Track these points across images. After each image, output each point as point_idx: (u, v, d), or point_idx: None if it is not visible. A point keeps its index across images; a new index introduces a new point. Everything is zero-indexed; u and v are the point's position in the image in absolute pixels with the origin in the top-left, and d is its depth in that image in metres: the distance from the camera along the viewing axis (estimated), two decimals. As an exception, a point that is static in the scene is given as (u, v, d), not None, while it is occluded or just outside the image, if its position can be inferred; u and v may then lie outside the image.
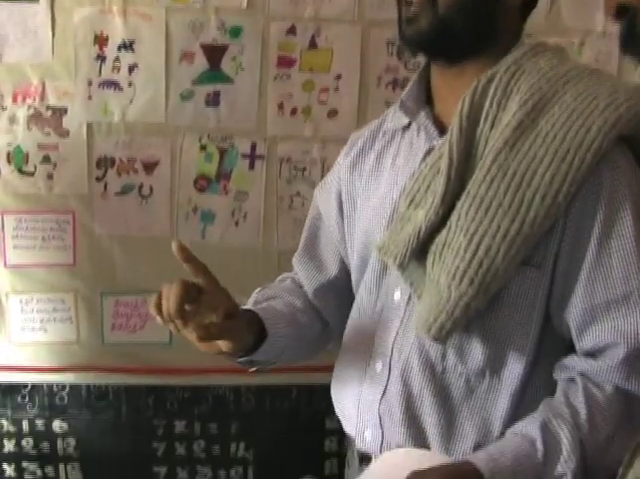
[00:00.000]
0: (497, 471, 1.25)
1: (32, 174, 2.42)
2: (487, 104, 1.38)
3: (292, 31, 2.40)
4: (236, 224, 2.45)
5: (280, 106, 2.43)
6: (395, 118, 1.58)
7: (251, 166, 2.44)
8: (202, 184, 2.45)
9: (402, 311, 1.47)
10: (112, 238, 2.45)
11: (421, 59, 2.51)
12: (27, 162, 2.41)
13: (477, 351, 1.40)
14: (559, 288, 1.37)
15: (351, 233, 1.63)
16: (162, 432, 2.60)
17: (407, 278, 1.43)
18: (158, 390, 2.56)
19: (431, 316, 1.34)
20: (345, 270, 1.69)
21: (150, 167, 2.43)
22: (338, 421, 2.59)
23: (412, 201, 1.42)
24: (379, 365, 1.50)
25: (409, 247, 1.38)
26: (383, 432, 1.50)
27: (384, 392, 1.49)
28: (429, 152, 1.46)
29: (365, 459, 1.59)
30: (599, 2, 2.35)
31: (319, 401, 2.61)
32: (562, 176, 1.29)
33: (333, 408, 2.58)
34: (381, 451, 1.51)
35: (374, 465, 1.47)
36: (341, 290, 1.70)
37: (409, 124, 1.54)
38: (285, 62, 2.41)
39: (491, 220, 1.31)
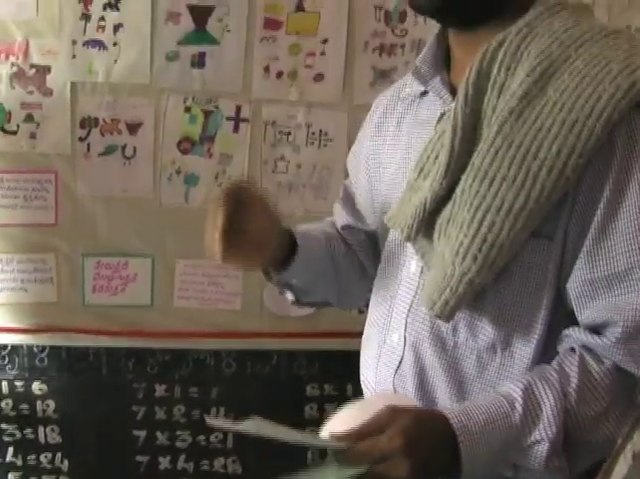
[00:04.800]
0: (467, 425, 1.23)
1: (15, 132, 2.40)
2: (495, 70, 1.30)
3: (280, -3, 2.39)
4: (220, 186, 2.43)
5: (266, 69, 2.41)
6: (413, 84, 1.51)
7: (236, 129, 2.43)
8: (186, 146, 2.43)
9: (415, 283, 1.43)
10: (94, 198, 2.43)
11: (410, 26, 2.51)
12: (10, 120, 2.39)
13: (487, 326, 1.35)
14: (569, 261, 1.30)
15: (374, 199, 1.61)
16: (142, 396, 2.58)
17: (418, 250, 1.39)
18: (138, 353, 2.55)
19: (435, 293, 1.30)
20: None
21: (133, 127, 2.42)
22: (318, 388, 2.64)
23: (421, 170, 1.36)
24: (395, 337, 1.45)
25: (415, 219, 1.34)
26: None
27: (399, 365, 1.44)
28: (441, 118, 1.40)
29: None
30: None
31: (300, 368, 2.61)
32: (570, 148, 1.22)
33: (314, 375, 2.61)
34: None
35: (358, 402, 1.46)
36: (372, 239, 1.68)
37: (425, 90, 1.48)
38: (272, 24, 2.40)
39: (495, 194, 1.25)
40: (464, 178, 1.29)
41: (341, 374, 2.53)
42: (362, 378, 1.59)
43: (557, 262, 1.31)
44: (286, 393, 2.62)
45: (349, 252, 1.68)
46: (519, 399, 1.26)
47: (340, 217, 1.73)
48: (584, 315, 1.32)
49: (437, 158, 1.34)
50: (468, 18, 1.36)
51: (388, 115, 1.57)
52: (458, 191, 1.29)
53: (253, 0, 2.37)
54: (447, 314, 1.31)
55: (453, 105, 1.36)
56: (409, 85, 1.54)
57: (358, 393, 1.57)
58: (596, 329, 1.31)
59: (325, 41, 2.41)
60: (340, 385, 2.61)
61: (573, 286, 1.31)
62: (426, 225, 1.34)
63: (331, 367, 2.58)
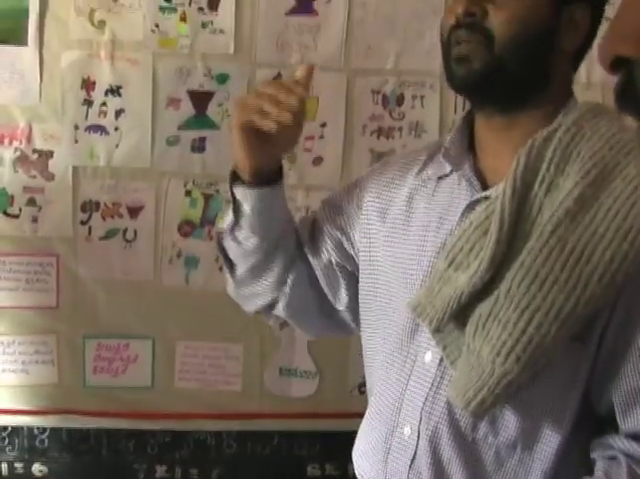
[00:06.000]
0: None
1: (17, 216, 2.42)
2: (545, 166, 1.28)
3: (279, 78, 2.40)
4: (220, 269, 2.40)
5: (266, 153, 2.43)
6: (435, 165, 1.48)
7: (236, 212, 2.45)
8: (187, 229, 2.45)
9: (432, 375, 1.39)
10: (95, 281, 2.45)
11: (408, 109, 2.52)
12: (12, 204, 2.42)
13: (510, 423, 1.33)
14: (603, 365, 1.30)
15: (371, 264, 1.53)
16: (143, 476, 2.57)
17: (440, 342, 1.34)
18: (139, 434, 2.54)
19: (470, 391, 1.27)
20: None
21: (134, 211, 2.44)
22: (320, 468, 2.63)
23: (452, 261, 1.32)
24: (407, 430, 1.41)
25: (447, 312, 1.29)
26: None
27: (413, 459, 1.40)
28: (470, 206, 1.37)
29: None
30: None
31: (300, 448, 2.60)
32: (623, 255, 1.21)
33: (314, 455, 2.61)
34: None
35: None
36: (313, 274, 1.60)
37: (449, 172, 1.45)
38: (271, 109, 2.42)
39: (545, 296, 1.22)
40: (509, 275, 1.26)
41: (342, 454, 2.50)
42: (356, 466, 1.56)
43: (588, 367, 1.30)
44: (287, 474, 2.61)
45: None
46: None
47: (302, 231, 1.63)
48: (629, 424, 1.31)
49: (472, 249, 1.30)
50: (508, 98, 1.35)
51: (396, 184, 1.53)
52: (502, 287, 1.26)
53: (253, 85, 2.40)
54: (482, 413, 1.29)
55: (483, 193, 1.35)
56: (430, 166, 1.50)
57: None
58: (637, 436, 1.30)
59: (324, 125, 2.44)
60: (341, 465, 2.60)
61: (617, 396, 1.30)
62: (455, 318, 1.31)
63: (332, 447, 2.57)
